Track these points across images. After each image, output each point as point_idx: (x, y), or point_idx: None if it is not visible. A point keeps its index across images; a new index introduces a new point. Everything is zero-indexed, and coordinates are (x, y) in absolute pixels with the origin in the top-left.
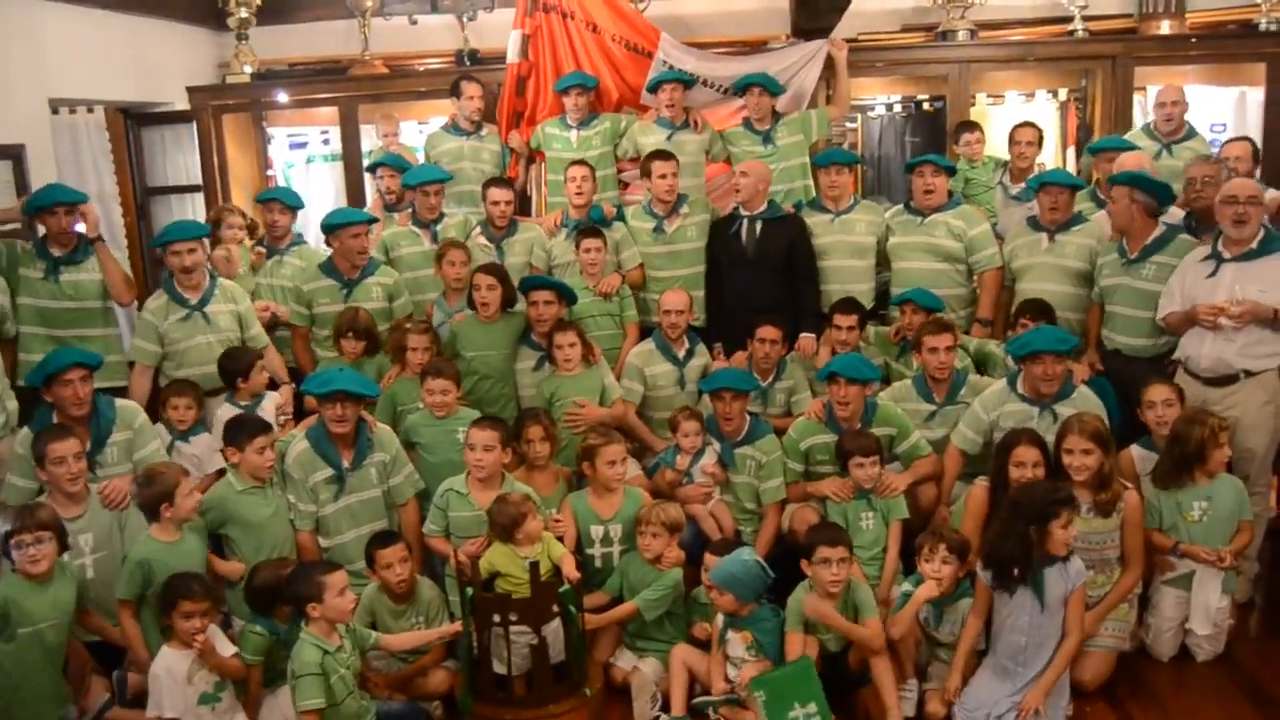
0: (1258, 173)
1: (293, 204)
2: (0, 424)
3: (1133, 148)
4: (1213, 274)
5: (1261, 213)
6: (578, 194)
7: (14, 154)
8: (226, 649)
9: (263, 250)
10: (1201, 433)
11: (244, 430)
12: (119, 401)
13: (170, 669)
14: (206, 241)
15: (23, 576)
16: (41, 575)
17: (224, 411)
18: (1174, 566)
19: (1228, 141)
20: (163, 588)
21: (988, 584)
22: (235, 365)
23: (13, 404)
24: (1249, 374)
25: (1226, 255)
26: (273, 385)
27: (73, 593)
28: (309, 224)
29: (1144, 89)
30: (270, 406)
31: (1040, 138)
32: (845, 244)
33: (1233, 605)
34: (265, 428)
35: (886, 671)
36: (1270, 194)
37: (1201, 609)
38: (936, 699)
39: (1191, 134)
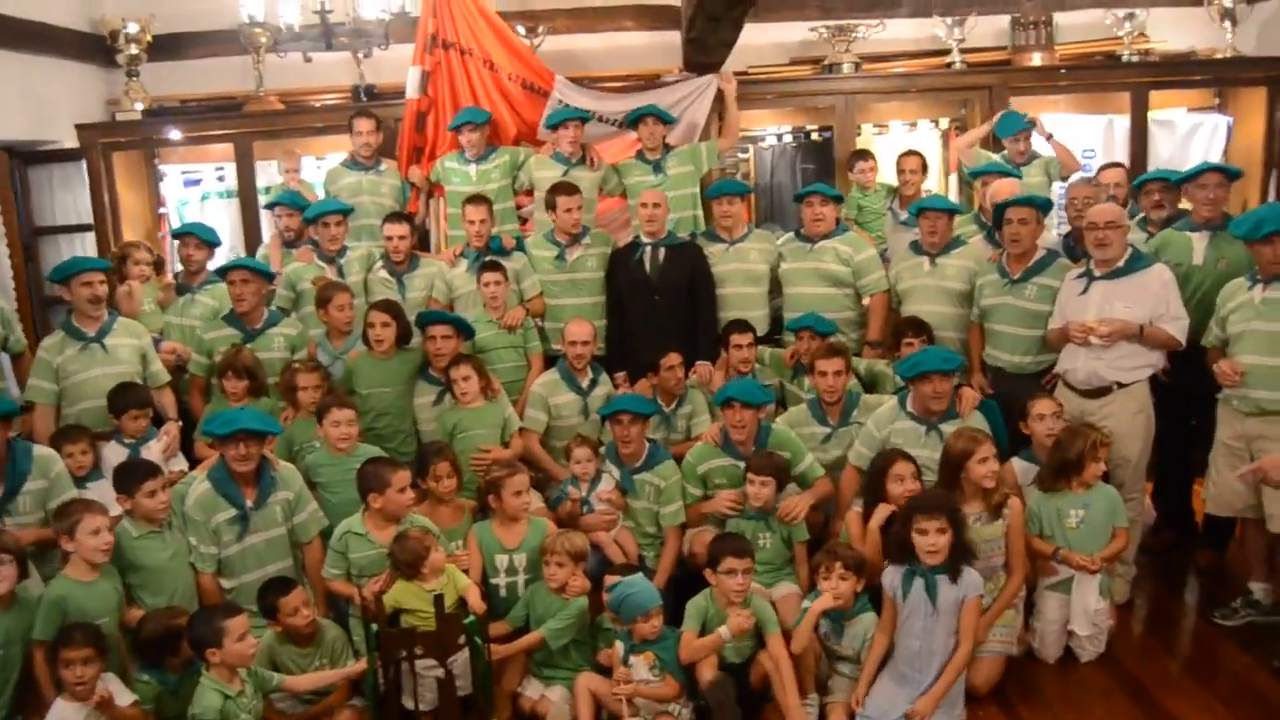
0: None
1: (208, 239)
2: None
3: (1011, 173)
4: (1084, 291)
5: (1123, 235)
6: (477, 235)
7: None
8: (125, 698)
9: (172, 282)
10: (1082, 445)
11: (132, 476)
12: (37, 449)
13: None
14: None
15: None
16: (3, 599)
17: (111, 453)
18: (1055, 571)
19: (1103, 168)
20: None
21: (889, 591)
22: (126, 400)
23: None
24: (1121, 386)
25: (1097, 274)
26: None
27: (29, 620)
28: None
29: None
30: (156, 447)
31: (924, 165)
32: (740, 272)
33: (1112, 607)
34: (153, 471)
35: (791, 683)
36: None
37: (1081, 612)
38: (838, 711)
39: (1035, 156)
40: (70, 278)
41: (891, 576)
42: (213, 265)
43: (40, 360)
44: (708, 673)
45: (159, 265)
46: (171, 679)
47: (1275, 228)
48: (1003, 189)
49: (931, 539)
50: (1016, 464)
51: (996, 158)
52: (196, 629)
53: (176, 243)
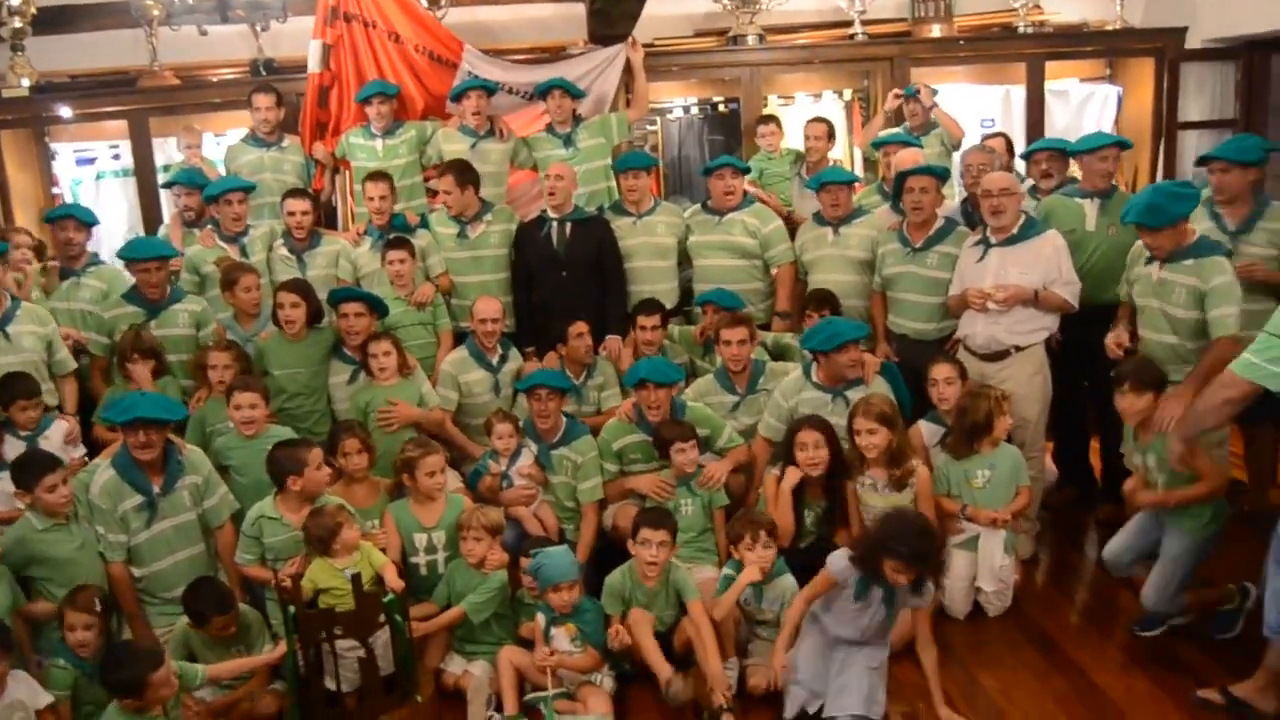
0: (1019, 164)
1: (87, 220)
2: None
3: (914, 143)
4: (981, 259)
5: (1017, 201)
6: (377, 211)
7: None
8: (41, 699)
9: (56, 266)
10: (987, 405)
11: (30, 470)
12: None
13: None
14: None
15: None
16: None
17: (7, 447)
18: (962, 530)
19: (986, 137)
20: None
21: (837, 578)
22: (13, 390)
23: None
24: (1018, 349)
25: (993, 240)
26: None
27: None
28: (103, 243)
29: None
30: (56, 436)
31: (830, 132)
32: (648, 245)
33: (1017, 562)
34: (53, 464)
35: (713, 647)
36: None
37: (988, 568)
38: (758, 674)
39: (934, 125)
40: None
41: (845, 572)
42: (93, 246)
43: None
44: (666, 672)
45: (39, 250)
46: (87, 662)
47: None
48: (906, 159)
49: (903, 576)
50: (923, 427)
51: (898, 129)
52: (116, 675)
53: (52, 227)
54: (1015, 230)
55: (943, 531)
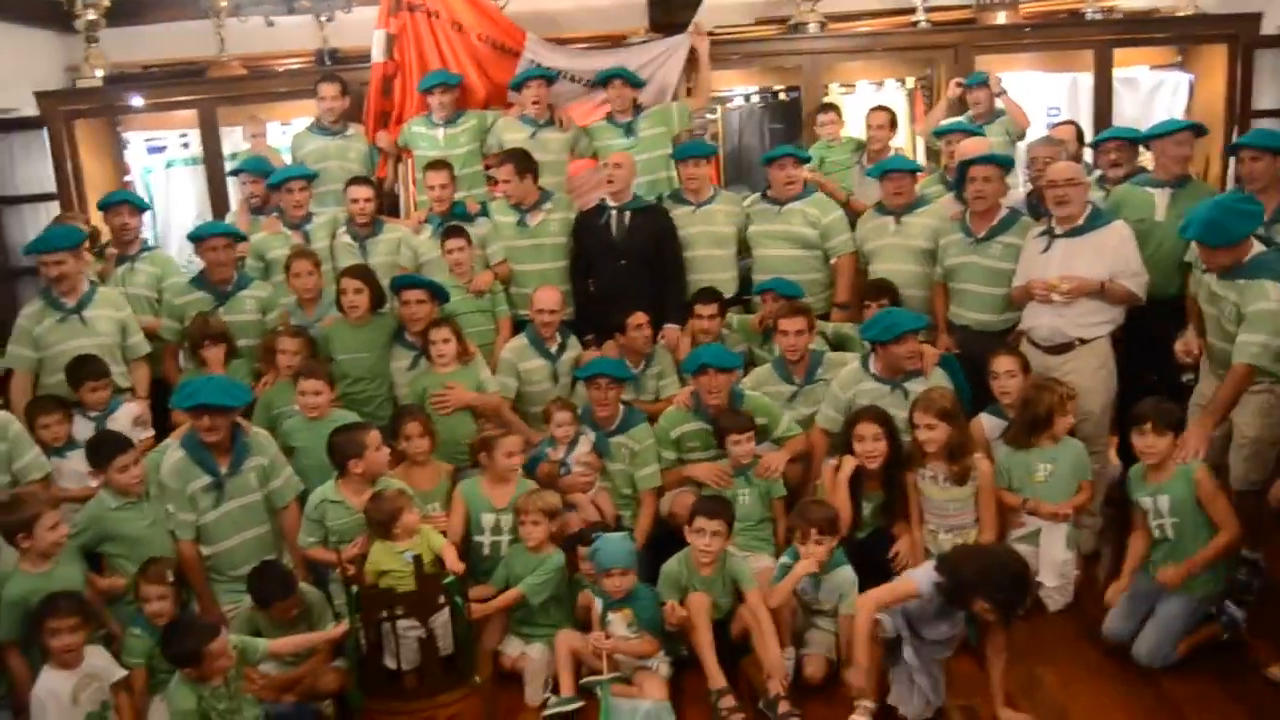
0: (1086, 153)
1: (140, 205)
2: None
3: (976, 132)
4: (1046, 249)
5: (1083, 192)
6: (437, 199)
7: None
8: (115, 672)
9: (113, 253)
10: (1050, 399)
11: (103, 451)
12: None
13: (54, 691)
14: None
15: None
16: None
17: (79, 427)
18: (1023, 524)
19: (1055, 125)
20: (34, 610)
21: (924, 598)
22: (81, 372)
23: None
24: (1083, 341)
25: (1058, 231)
26: None
27: None
28: (172, 229)
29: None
30: (124, 417)
31: (893, 121)
32: (707, 234)
33: (1079, 557)
34: (124, 446)
35: (771, 635)
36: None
37: (1049, 562)
38: (815, 663)
39: (999, 114)
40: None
41: (930, 593)
42: (163, 233)
43: (20, 327)
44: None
45: (93, 238)
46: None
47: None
48: (969, 147)
49: (991, 616)
50: (985, 420)
51: (961, 118)
52: (175, 647)
53: (106, 213)
54: (1081, 221)
55: (1003, 525)
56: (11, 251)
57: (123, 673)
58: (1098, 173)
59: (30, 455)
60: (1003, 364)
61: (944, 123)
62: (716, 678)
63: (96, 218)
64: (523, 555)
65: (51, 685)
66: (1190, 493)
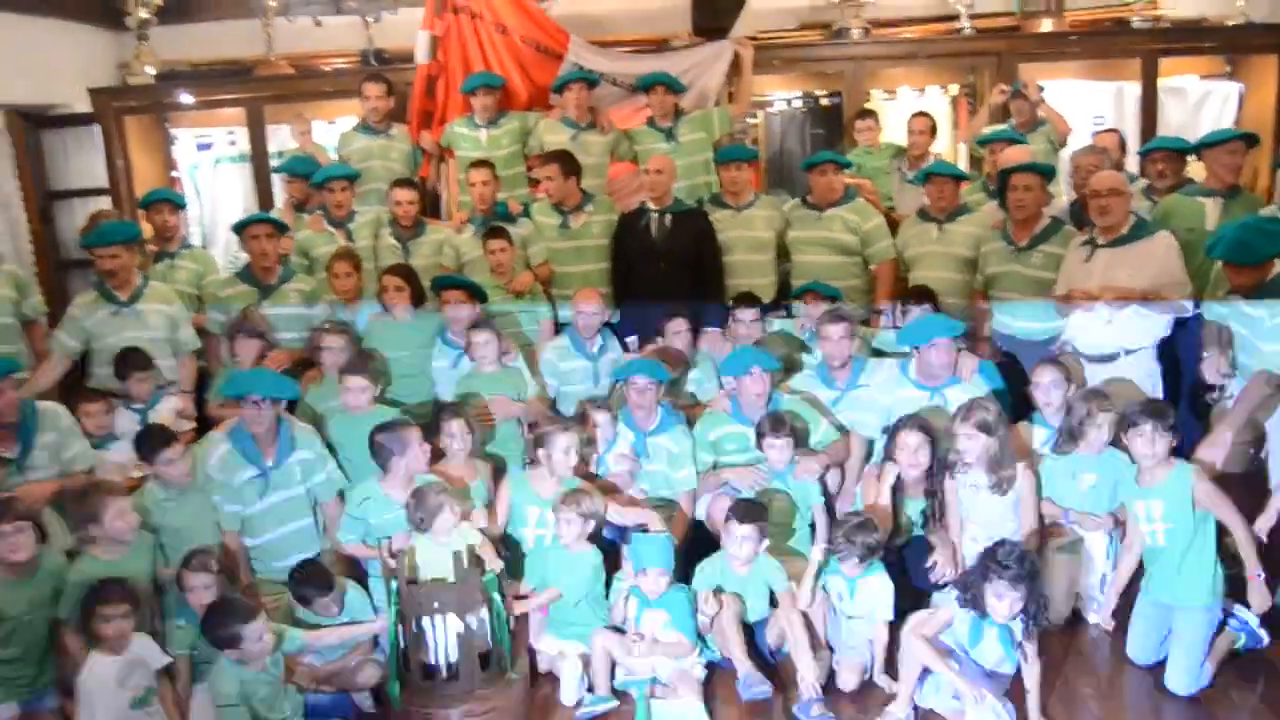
0: (1130, 161)
1: (180, 203)
2: None
3: (1020, 140)
4: (1088, 259)
5: (1126, 201)
6: (480, 199)
7: None
8: (160, 659)
9: (153, 249)
10: (1085, 410)
11: (151, 443)
12: (40, 404)
13: (101, 675)
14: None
15: (1, 571)
16: (20, 565)
17: (121, 418)
18: (1064, 533)
19: (1098, 133)
20: (83, 597)
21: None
22: (128, 363)
23: None
24: (1128, 352)
25: (1101, 241)
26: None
27: (51, 585)
28: (218, 225)
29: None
30: (166, 410)
31: (933, 127)
32: (747, 239)
33: None
34: (171, 439)
35: (802, 638)
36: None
37: (1090, 573)
38: (848, 670)
39: (1041, 122)
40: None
41: (960, 621)
42: (209, 229)
43: (70, 316)
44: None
45: None
46: None
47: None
48: (1013, 155)
49: (1008, 605)
50: (1026, 428)
51: (1004, 126)
52: (214, 629)
53: (147, 211)
54: (1125, 231)
55: (1044, 534)
56: (64, 244)
57: (167, 660)
58: (1144, 183)
59: (79, 446)
60: (1045, 374)
61: (987, 130)
62: (744, 663)
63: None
64: (560, 554)
65: (98, 670)
66: (1185, 497)
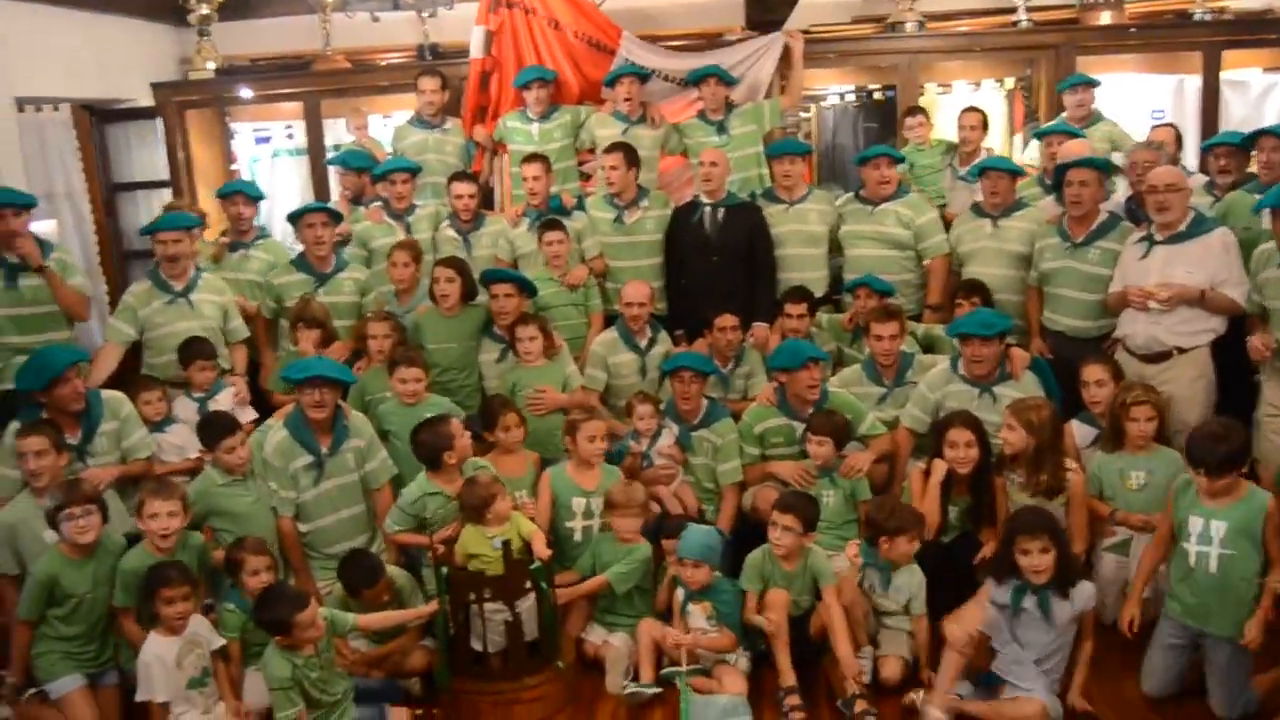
0: (1187, 156)
1: (255, 195)
2: None
3: (1078, 134)
4: (1145, 255)
5: (1184, 198)
6: (532, 193)
7: None
8: (216, 640)
9: (225, 241)
10: (1121, 398)
11: (212, 431)
12: (104, 393)
13: (160, 654)
14: (196, 233)
15: (67, 551)
16: (88, 547)
17: (180, 406)
18: (1114, 533)
19: (1154, 127)
20: (144, 579)
21: (999, 603)
22: (192, 351)
23: None
24: (1181, 351)
25: (1158, 238)
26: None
27: (112, 565)
28: (275, 218)
29: None
30: (225, 399)
31: (985, 121)
32: (799, 233)
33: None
34: (233, 427)
35: (844, 633)
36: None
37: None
38: (891, 664)
39: (1098, 118)
40: (152, 234)
41: (1001, 594)
42: (267, 221)
43: (126, 304)
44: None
45: (202, 224)
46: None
47: None
48: (1072, 149)
49: (1035, 559)
50: (1075, 427)
51: (1059, 119)
52: (267, 614)
53: (223, 202)
54: (1183, 227)
55: (1093, 534)
56: (126, 235)
57: (222, 641)
58: (1205, 179)
59: (139, 434)
60: (1093, 373)
61: (1044, 124)
62: (786, 675)
63: (204, 204)
64: (610, 544)
65: (158, 650)
66: (1255, 524)
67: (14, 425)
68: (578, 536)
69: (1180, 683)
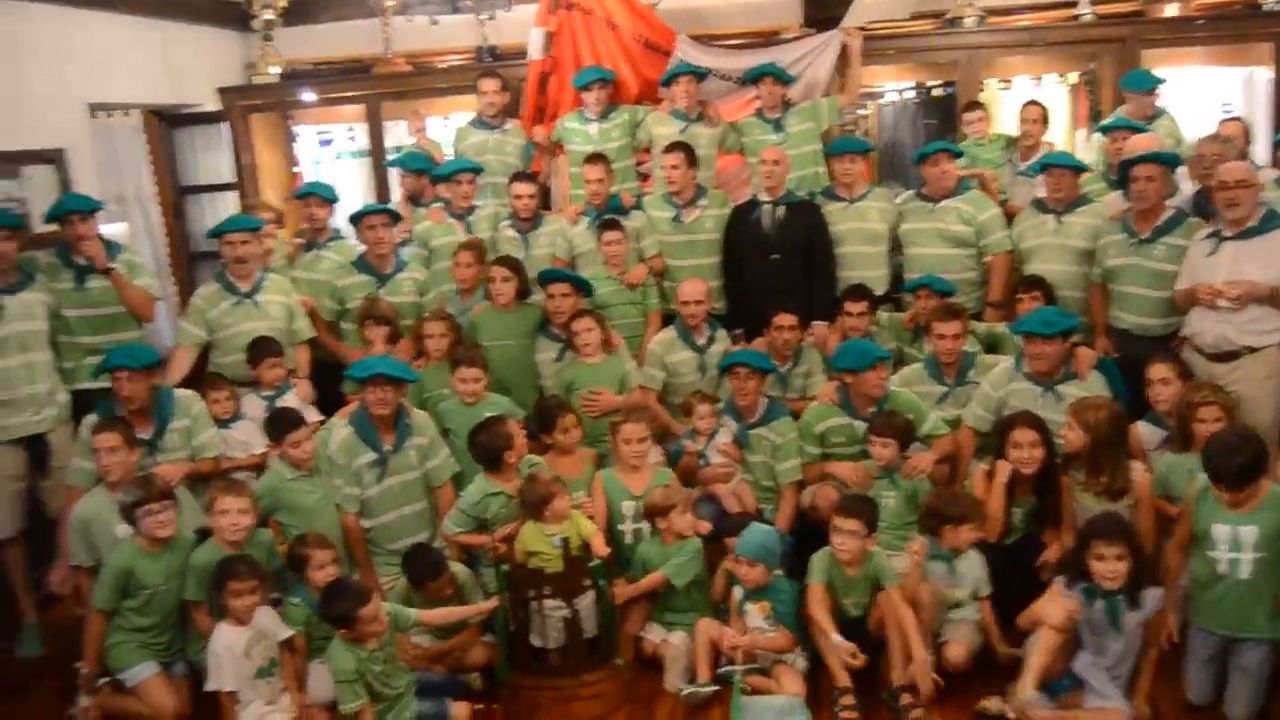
0: (1257, 149)
1: (329, 198)
2: (53, 416)
3: (1142, 129)
4: (1213, 252)
5: (1254, 193)
6: (594, 194)
7: (56, 158)
8: (283, 631)
9: (300, 242)
10: (1189, 398)
11: (280, 426)
12: (178, 391)
13: (229, 644)
14: (261, 235)
15: (143, 544)
16: (163, 540)
17: (249, 404)
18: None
19: (1223, 121)
20: (214, 572)
21: (1070, 607)
22: (261, 350)
23: (64, 397)
24: (1251, 350)
25: (1227, 233)
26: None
27: (184, 559)
28: (339, 219)
29: None
30: (294, 398)
31: (1045, 116)
32: (859, 231)
33: None
34: (300, 423)
35: (911, 628)
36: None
37: None
38: (955, 649)
39: (1160, 114)
40: (219, 236)
41: (1070, 599)
42: (334, 222)
43: (195, 307)
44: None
45: (279, 222)
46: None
47: None
48: (1138, 144)
49: (1110, 565)
50: (1142, 428)
51: (1119, 112)
52: (331, 608)
53: (298, 203)
54: (1253, 223)
55: (1159, 536)
56: (193, 237)
57: (289, 632)
58: (1276, 173)
59: (208, 433)
60: (1158, 372)
61: (1109, 119)
62: (840, 676)
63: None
64: (657, 547)
65: (227, 639)
66: None
67: (89, 419)
68: (629, 539)
69: (1223, 688)
